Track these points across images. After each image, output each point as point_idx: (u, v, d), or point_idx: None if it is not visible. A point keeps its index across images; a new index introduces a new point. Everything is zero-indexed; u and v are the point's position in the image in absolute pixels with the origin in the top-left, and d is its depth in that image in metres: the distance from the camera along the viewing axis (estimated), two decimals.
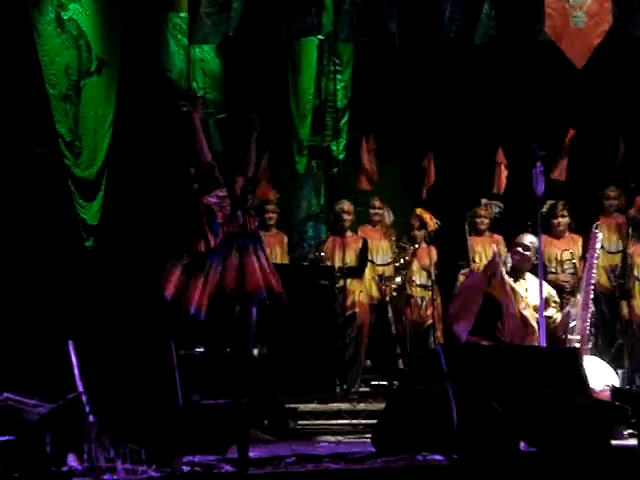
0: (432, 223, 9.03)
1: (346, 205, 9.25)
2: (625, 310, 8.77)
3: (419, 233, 9.16)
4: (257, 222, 7.34)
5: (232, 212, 7.10)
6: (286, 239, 9.33)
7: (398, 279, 9.19)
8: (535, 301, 7.39)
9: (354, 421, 7.87)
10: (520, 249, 7.79)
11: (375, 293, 9.21)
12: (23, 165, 8.82)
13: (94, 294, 8.54)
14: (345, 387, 8.76)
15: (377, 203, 9.42)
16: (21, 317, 7.92)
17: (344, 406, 8.15)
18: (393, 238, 9.33)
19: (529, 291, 7.65)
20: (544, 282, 7.58)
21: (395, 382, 9.08)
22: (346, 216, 9.19)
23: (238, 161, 7.28)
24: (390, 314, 9.18)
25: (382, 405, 6.58)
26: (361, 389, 9.01)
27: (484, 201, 9.22)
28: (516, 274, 7.73)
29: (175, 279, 6.98)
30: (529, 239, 7.81)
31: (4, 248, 8.44)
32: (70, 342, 5.13)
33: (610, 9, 9.02)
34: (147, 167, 9.24)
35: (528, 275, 7.78)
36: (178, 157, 8.12)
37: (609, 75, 9.99)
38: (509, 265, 7.79)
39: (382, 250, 9.32)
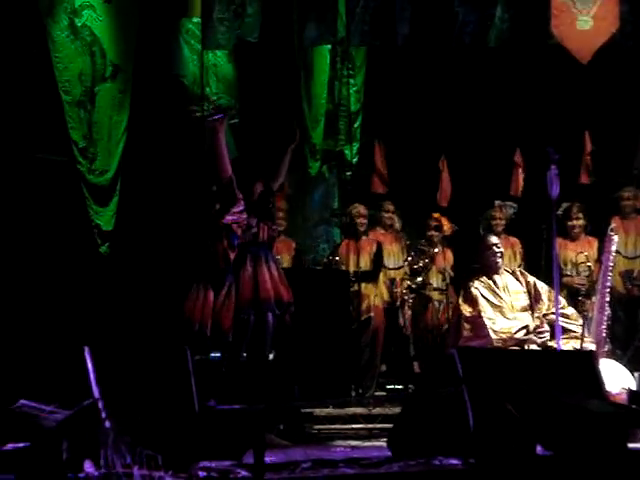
0: (448, 228, 9.01)
1: (361, 209, 9.23)
2: None
3: (436, 235, 9.15)
4: (274, 231, 7.29)
5: (247, 221, 7.09)
6: (294, 245, 9.31)
7: (419, 279, 9.16)
8: (516, 297, 7.45)
9: (370, 425, 7.85)
10: (496, 249, 7.76)
11: (386, 297, 9.18)
12: (37, 171, 8.83)
13: (109, 300, 8.54)
14: (360, 391, 8.74)
15: (390, 207, 9.39)
16: (36, 324, 7.93)
17: (360, 411, 8.14)
18: (404, 242, 9.31)
19: (509, 287, 7.64)
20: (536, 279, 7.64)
21: (411, 386, 9.06)
22: (361, 220, 9.17)
23: (257, 167, 7.25)
24: (401, 318, 9.15)
25: (398, 409, 6.56)
26: (377, 393, 8.99)
27: (497, 202, 9.21)
28: (491, 274, 7.71)
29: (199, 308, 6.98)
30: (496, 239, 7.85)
31: (19, 254, 8.45)
32: (86, 348, 5.13)
33: (618, 14, 9.00)
34: (161, 173, 9.25)
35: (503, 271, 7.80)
36: (199, 172, 8.11)
37: (624, 77, 9.95)
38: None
39: (394, 254, 9.30)
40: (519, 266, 9.04)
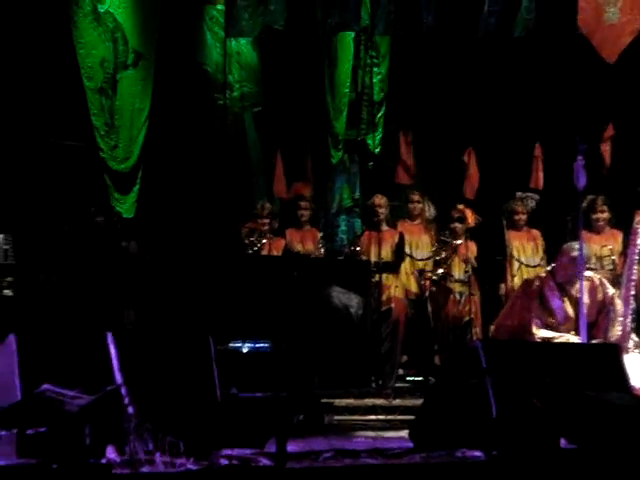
0: (472, 220, 8.94)
1: (379, 199, 9.16)
2: None
3: (459, 227, 9.08)
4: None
5: None
6: (319, 235, 9.27)
7: (440, 270, 9.09)
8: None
9: (390, 417, 7.82)
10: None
11: (414, 288, 9.13)
12: (59, 158, 8.84)
13: (131, 287, 8.53)
14: (380, 382, 8.69)
15: (415, 197, 9.32)
16: (60, 310, 7.93)
17: (379, 402, 8.11)
18: (433, 232, 9.25)
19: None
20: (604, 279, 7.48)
21: (431, 378, 9.02)
22: (380, 210, 9.11)
23: None
24: (430, 309, 9.09)
25: (418, 401, 6.54)
26: (397, 385, 8.95)
27: (519, 194, 9.15)
28: (567, 284, 7.38)
29: None
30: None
31: (40, 242, 8.45)
32: (109, 334, 5.13)
33: None
34: (183, 161, 9.24)
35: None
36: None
37: None
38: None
39: (422, 245, 9.22)
40: (541, 259, 8.99)
